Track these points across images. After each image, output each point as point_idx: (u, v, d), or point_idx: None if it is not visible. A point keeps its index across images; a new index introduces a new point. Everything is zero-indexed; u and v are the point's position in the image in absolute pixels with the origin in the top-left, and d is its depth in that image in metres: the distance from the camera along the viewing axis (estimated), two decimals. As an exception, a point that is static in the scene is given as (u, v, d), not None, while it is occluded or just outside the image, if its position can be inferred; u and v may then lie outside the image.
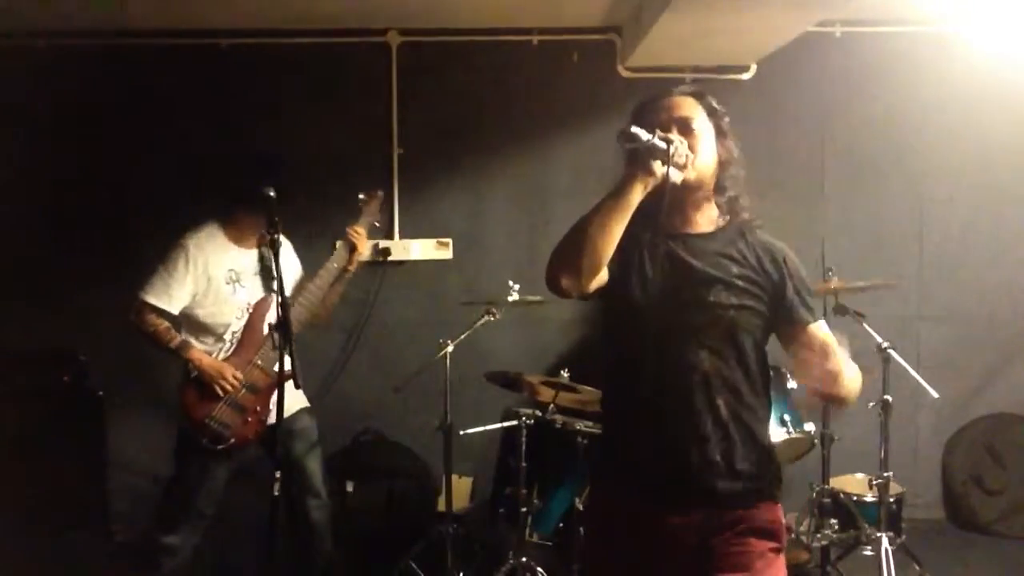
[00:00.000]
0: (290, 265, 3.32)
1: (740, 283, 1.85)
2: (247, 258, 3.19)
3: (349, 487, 3.98)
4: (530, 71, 4.34)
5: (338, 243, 3.27)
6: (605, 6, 4.02)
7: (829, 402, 1.94)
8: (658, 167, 1.75)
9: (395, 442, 4.19)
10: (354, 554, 3.76)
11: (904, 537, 3.47)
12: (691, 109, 1.92)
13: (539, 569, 3.15)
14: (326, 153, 4.22)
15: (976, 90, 4.33)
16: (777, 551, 1.86)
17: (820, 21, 3.85)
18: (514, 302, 3.41)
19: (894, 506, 3.48)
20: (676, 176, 1.79)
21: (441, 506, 3.60)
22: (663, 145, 1.75)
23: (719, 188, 1.92)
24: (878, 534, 3.33)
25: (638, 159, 1.76)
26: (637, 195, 1.76)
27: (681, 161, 1.78)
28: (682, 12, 3.36)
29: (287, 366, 2.39)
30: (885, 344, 3.30)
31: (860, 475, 3.79)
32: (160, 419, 3.20)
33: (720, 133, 1.93)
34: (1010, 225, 4.46)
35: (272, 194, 2.48)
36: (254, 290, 3.19)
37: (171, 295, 3.06)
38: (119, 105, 4.16)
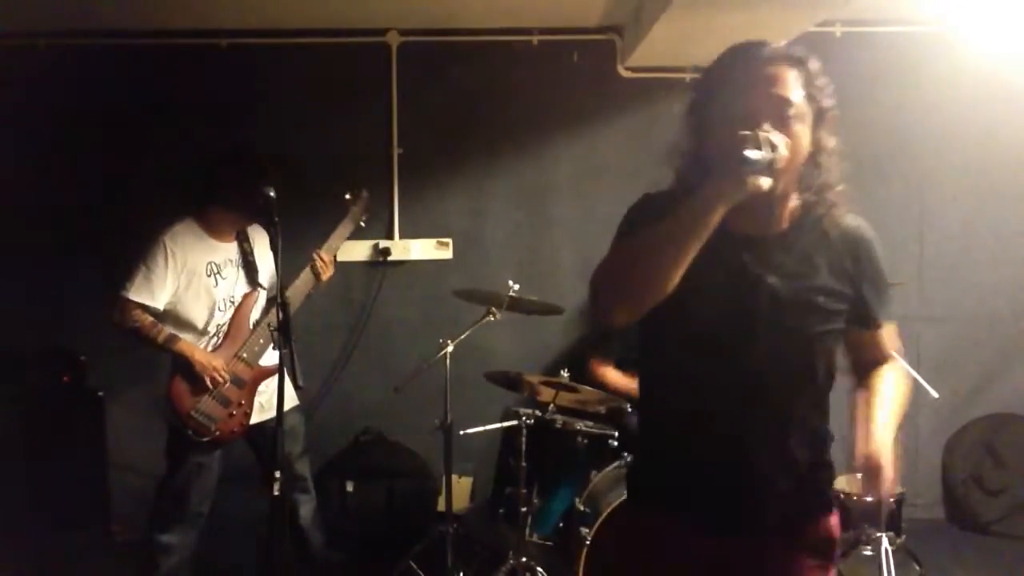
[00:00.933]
0: (268, 263, 3.34)
1: (822, 299, 1.61)
2: (226, 251, 3.22)
3: (349, 487, 3.99)
4: (530, 71, 4.33)
5: (306, 270, 3.27)
6: (605, 6, 4.02)
7: None
8: (752, 181, 1.44)
9: (395, 442, 4.19)
10: (354, 554, 3.76)
11: (904, 537, 3.46)
12: (795, 87, 1.56)
13: (539, 569, 3.14)
14: (326, 153, 4.23)
15: (976, 90, 4.32)
16: (825, 568, 1.71)
17: (820, 21, 3.85)
18: (512, 299, 3.41)
19: (894, 506, 3.48)
20: (766, 183, 1.47)
21: (441, 506, 3.60)
22: (768, 157, 1.45)
23: (804, 180, 1.62)
24: (878, 534, 3.33)
25: (732, 170, 1.44)
26: (721, 214, 1.45)
27: (779, 166, 1.48)
28: (682, 12, 3.36)
29: (287, 365, 2.40)
30: (885, 344, 3.30)
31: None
32: (160, 419, 3.20)
33: (819, 116, 1.61)
34: (1010, 225, 4.46)
35: (272, 194, 2.48)
36: (235, 282, 3.23)
37: (153, 291, 3.08)
38: (119, 105, 4.16)
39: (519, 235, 4.39)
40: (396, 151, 4.32)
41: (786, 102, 1.55)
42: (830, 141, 1.63)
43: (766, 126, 1.51)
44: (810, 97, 1.59)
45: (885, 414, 1.69)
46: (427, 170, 4.34)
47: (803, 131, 1.58)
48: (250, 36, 4.21)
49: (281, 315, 2.45)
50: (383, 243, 4.32)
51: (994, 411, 4.47)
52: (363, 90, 4.31)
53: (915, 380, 3.29)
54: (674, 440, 1.72)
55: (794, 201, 1.65)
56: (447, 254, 4.37)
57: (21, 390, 3.80)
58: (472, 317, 3.47)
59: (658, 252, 1.47)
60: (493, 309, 3.41)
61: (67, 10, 3.83)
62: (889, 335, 1.76)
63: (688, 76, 4.29)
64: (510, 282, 3.43)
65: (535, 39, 4.33)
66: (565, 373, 3.34)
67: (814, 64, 1.62)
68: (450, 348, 3.36)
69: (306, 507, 3.41)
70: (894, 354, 1.78)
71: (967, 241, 4.46)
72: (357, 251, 4.31)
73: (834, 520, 1.74)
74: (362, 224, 3.43)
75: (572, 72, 4.34)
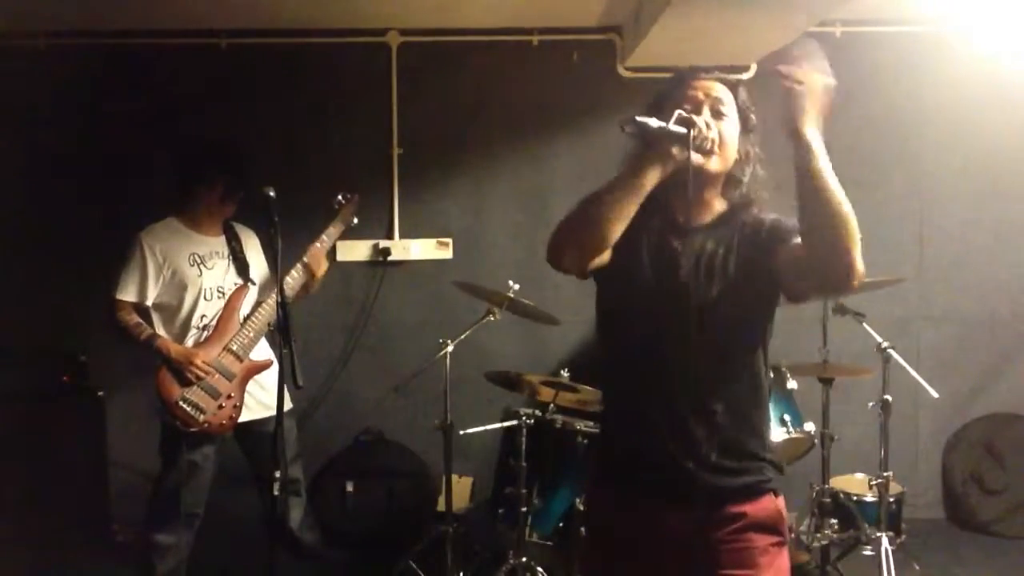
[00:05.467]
0: (259, 260, 3.40)
1: (735, 272, 1.76)
2: (210, 243, 3.27)
3: (349, 487, 3.99)
4: (530, 71, 4.34)
5: (297, 266, 3.28)
6: (605, 6, 4.02)
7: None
8: (677, 152, 1.67)
9: (395, 442, 4.19)
10: (354, 554, 3.76)
11: (904, 537, 3.47)
12: (724, 94, 1.82)
13: (539, 569, 3.14)
14: (326, 153, 4.23)
15: (976, 90, 4.32)
16: (780, 544, 1.83)
17: (820, 21, 3.85)
18: (511, 301, 3.41)
19: (894, 506, 3.48)
20: (698, 160, 1.69)
21: (441, 506, 3.60)
22: (681, 130, 1.66)
23: (733, 183, 1.83)
24: (878, 534, 3.33)
25: (654, 142, 1.67)
26: (652, 178, 1.68)
27: (706, 147, 1.71)
28: (682, 12, 3.36)
29: (287, 365, 2.40)
30: (885, 344, 3.30)
31: (860, 475, 3.79)
32: (158, 419, 3.20)
33: (746, 128, 1.83)
34: (1010, 225, 4.46)
35: (272, 194, 2.48)
36: (224, 273, 3.26)
37: (140, 287, 3.16)
38: (119, 105, 4.16)
39: (519, 235, 4.39)
40: (396, 151, 4.32)
41: (717, 100, 1.79)
42: (755, 150, 1.84)
43: (703, 114, 1.74)
44: (739, 110, 1.83)
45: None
46: (427, 170, 4.34)
47: (731, 134, 1.80)
48: (250, 36, 4.21)
49: (281, 315, 2.45)
50: (383, 243, 4.32)
51: (994, 411, 4.47)
52: (363, 90, 4.31)
53: (915, 380, 3.32)
54: (616, 415, 1.93)
55: (722, 203, 1.85)
56: (447, 254, 4.37)
57: (21, 390, 3.80)
58: (472, 317, 3.47)
59: (601, 202, 1.72)
60: (493, 309, 3.41)
61: (67, 10, 3.83)
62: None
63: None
64: (510, 282, 3.43)
65: (535, 39, 4.33)
66: (565, 373, 3.34)
67: (743, 89, 1.86)
68: (450, 348, 3.37)
69: (296, 510, 3.43)
70: None
71: (967, 241, 4.46)
72: (357, 251, 4.32)
73: (780, 502, 1.85)
74: (353, 223, 3.44)
75: (572, 72, 4.34)
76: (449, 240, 4.37)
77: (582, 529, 3.01)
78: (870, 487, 3.47)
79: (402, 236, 4.36)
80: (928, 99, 4.36)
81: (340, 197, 3.42)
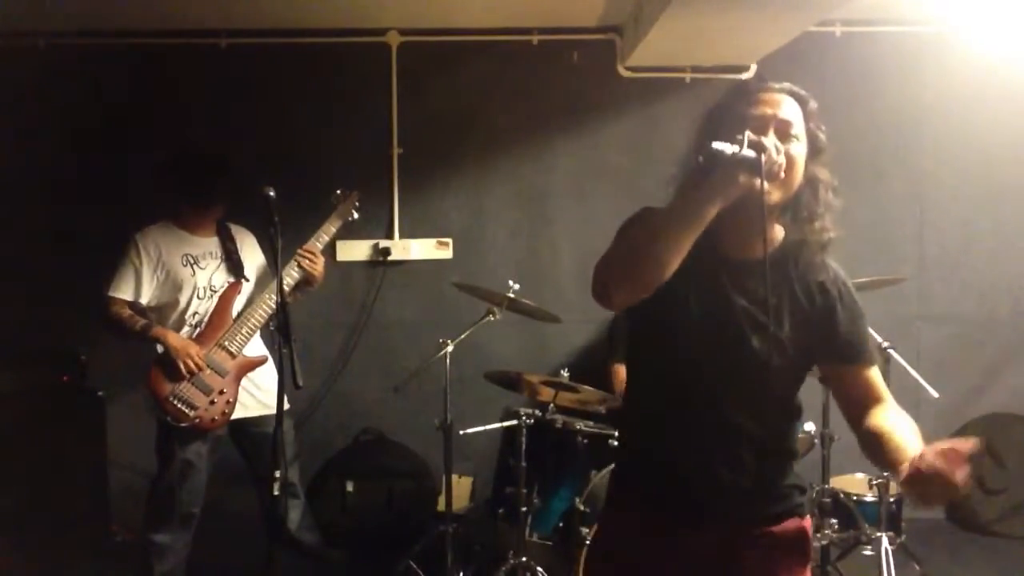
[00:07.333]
0: (254, 260, 3.42)
1: (784, 325, 1.66)
2: (204, 244, 3.31)
3: (349, 487, 3.98)
4: (530, 71, 4.34)
5: (293, 262, 3.25)
6: (605, 6, 4.02)
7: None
8: (745, 180, 1.51)
9: (395, 442, 4.19)
10: (354, 554, 3.76)
11: (904, 537, 3.46)
12: (793, 112, 1.64)
13: (539, 569, 3.14)
14: (326, 153, 4.23)
15: (976, 90, 4.33)
16: (804, 564, 1.78)
17: (820, 21, 3.85)
18: (511, 301, 3.41)
19: (894, 506, 3.48)
20: (767, 188, 1.53)
21: (441, 506, 3.60)
22: (752, 155, 1.50)
23: (795, 210, 1.66)
24: (878, 534, 3.33)
25: (722, 168, 1.50)
26: (715, 208, 1.51)
27: (775, 172, 1.54)
28: (682, 12, 3.36)
29: (287, 365, 2.40)
30: (885, 344, 3.30)
31: (860, 475, 3.79)
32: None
33: (814, 149, 1.66)
34: (1010, 225, 4.46)
35: (272, 194, 2.48)
36: (215, 273, 3.28)
37: (133, 286, 3.20)
38: (119, 105, 4.17)
39: (519, 235, 4.39)
40: (396, 151, 4.32)
41: (786, 123, 1.62)
42: (824, 174, 1.68)
43: (770, 135, 1.58)
44: (809, 131, 1.66)
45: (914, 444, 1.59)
46: (427, 170, 4.34)
47: (799, 156, 1.63)
48: (250, 36, 4.21)
49: (281, 315, 2.45)
50: (383, 243, 4.32)
51: (994, 411, 4.47)
52: (363, 90, 4.31)
53: (915, 380, 3.31)
54: (646, 443, 1.81)
55: (778, 231, 1.71)
56: (447, 254, 4.37)
57: (21, 390, 3.80)
58: (472, 317, 3.47)
59: (654, 238, 1.55)
60: (493, 309, 3.41)
61: (67, 10, 3.82)
62: (876, 374, 1.76)
63: (688, 76, 4.30)
64: (510, 282, 3.43)
65: (535, 39, 4.33)
66: (565, 373, 3.34)
67: (814, 104, 1.68)
68: (450, 348, 3.36)
69: (294, 512, 3.44)
70: (887, 394, 1.77)
71: (967, 241, 4.47)
72: (357, 251, 4.32)
73: (807, 523, 1.79)
74: (352, 218, 3.43)
75: (572, 72, 4.34)
76: (449, 240, 4.37)
77: (582, 529, 3.03)
78: (870, 487, 3.47)
79: (402, 236, 4.36)
80: (928, 99, 4.36)
81: (338, 192, 3.43)
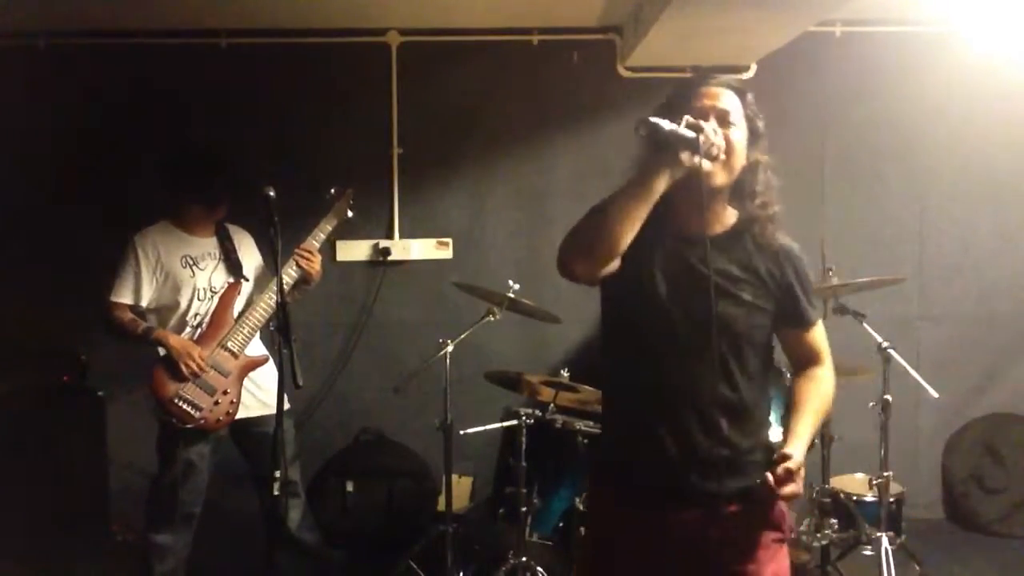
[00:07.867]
0: (252, 260, 3.41)
1: (747, 294, 1.82)
2: (202, 245, 3.30)
3: (349, 487, 3.98)
4: (530, 71, 4.34)
5: (291, 261, 3.24)
6: (605, 6, 4.02)
7: None
8: (687, 157, 1.68)
9: (395, 442, 4.19)
10: (354, 554, 3.76)
11: (904, 537, 3.46)
12: (731, 103, 1.82)
13: (539, 569, 3.14)
14: (326, 153, 4.23)
15: (976, 90, 4.33)
16: (780, 541, 1.87)
17: (820, 21, 3.85)
18: (511, 301, 3.41)
19: (894, 506, 3.48)
20: (707, 166, 1.71)
21: (441, 506, 3.60)
22: (690, 135, 1.67)
23: (741, 192, 1.85)
24: (878, 534, 3.33)
25: (664, 146, 1.67)
26: (661, 184, 1.69)
27: (713, 153, 1.72)
28: (682, 12, 3.36)
29: (287, 365, 2.40)
30: (885, 344, 3.30)
31: (860, 475, 3.79)
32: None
33: (754, 135, 1.85)
34: (1010, 225, 4.46)
35: (271, 194, 2.48)
36: (214, 274, 3.28)
37: (133, 289, 3.19)
38: (119, 105, 4.16)
39: (519, 235, 4.39)
40: (396, 151, 4.32)
41: (724, 111, 1.80)
42: (764, 158, 1.86)
43: (710, 121, 1.75)
44: (747, 118, 1.85)
45: (804, 426, 1.85)
46: (427, 170, 4.34)
47: (739, 140, 1.81)
48: (250, 36, 4.21)
49: (282, 315, 2.45)
50: (383, 243, 4.32)
51: (994, 411, 4.47)
52: (363, 90, 4.31)
53: (915, 380, 3.31)
54: (620, 418, 1.94)
55: (732, 214, 1.89)
56: (447, 254, 4.37)
57: (21, 390, 3.80)
58: (472, 317, 3.47)
59: (610, 209, 1.70)
60: (493, 309, 3.41)
61: (67, 10, 3.83)
62: (819, 334, 1.97)
63: (688, 76, 4.29)
64: (510, 282, 3.43)
65: (535, 39, 4.33)
66: (565, 373, 3.34)
67: (751, 96, 1.88)
68: (450, 348, 3.36)
69: (295, 511, 3.41)
70: (825, 352, 1.98)
71: (967, 241, 4.47)
72: (357, 251, 4.32)
73: (781, 502, 1.86)
74: (348, 215, 3.42)
75: (572, 72, 4.34)
76: (449, 240, 4.37)
77: (582, 529, 3.03)
78: (870, 487, 3.46)
79: (402, 236, 4.36)
80: (928, 99, 4.36)
81: (332, 190, 3.42)
